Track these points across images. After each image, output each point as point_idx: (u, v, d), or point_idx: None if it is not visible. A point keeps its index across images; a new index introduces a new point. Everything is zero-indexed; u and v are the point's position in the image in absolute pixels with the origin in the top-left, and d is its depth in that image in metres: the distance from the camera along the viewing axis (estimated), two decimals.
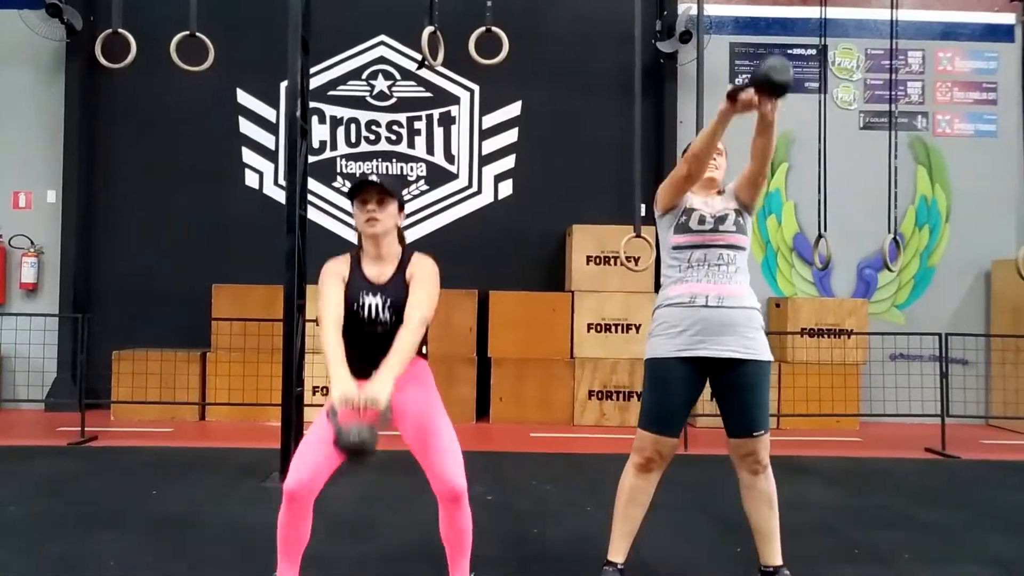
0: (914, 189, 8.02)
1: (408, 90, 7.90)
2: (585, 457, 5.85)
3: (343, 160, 7.88)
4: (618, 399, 7.21)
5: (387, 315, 2.72)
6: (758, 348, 2.89)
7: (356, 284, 2.76)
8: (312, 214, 7.86)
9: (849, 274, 8.03)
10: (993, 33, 8.13)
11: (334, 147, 7.85)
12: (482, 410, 7.28)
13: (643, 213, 7.86)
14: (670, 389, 2.90)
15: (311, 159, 7.90)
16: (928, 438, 6.54)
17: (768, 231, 8.06)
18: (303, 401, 5.06)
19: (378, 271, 2.79)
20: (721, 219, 2.95)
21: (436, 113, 7.89)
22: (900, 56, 8.05)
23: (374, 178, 2.76)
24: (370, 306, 2.72)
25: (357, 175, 7.88)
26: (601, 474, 5.32)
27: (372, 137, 7.84)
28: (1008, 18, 8.14)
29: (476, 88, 7.89)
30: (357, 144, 7.87)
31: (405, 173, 7.88)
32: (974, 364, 7.67)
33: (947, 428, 6.35)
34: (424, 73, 7.83)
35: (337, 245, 7.71)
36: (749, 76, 2.65)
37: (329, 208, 7.85)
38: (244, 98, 7.87)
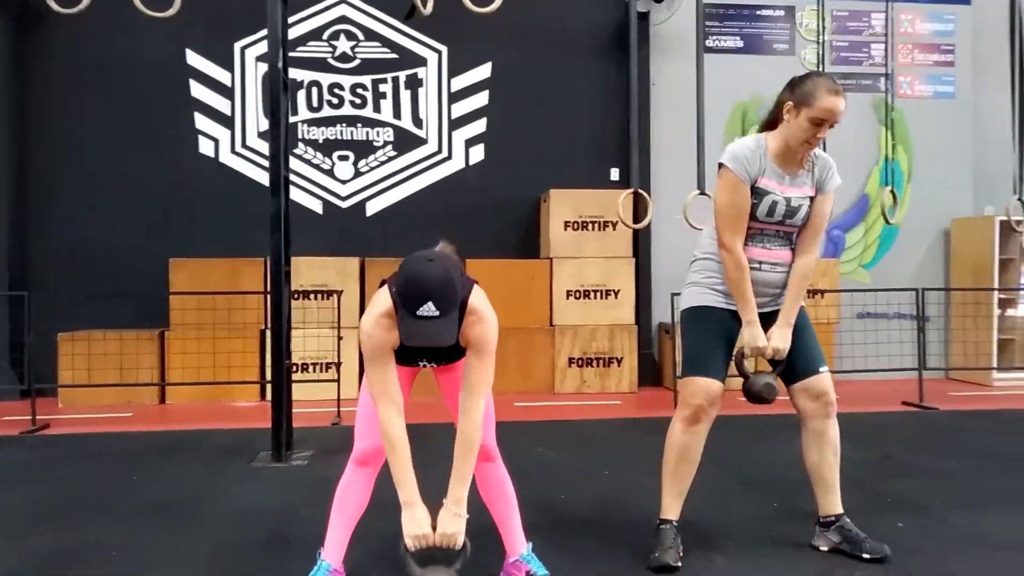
0: (878, 150, 8.13)
1: (372, 51, 7.55)
2: (577, 424, 5.75)
3: (305, 126, 7.49)
4: (598, 366, 7.12)
5: (439, 357, 2.53)
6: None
7: (405, 347, 2.30)
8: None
9: None
10: None
11: (294, 112, 7.46)
12: None
13: (615, 177, 7.83)
14: (716, 334, 2.86)
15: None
16: (902, 392, 6.68)
17: None
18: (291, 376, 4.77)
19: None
20: (792, 212, 2.83)
21: (402, 75, 7.57)
22: (864, 18, 8.11)
23: (434, 312, 2.15)
24: (424, 364, 2.55)
25: (321, 141, 7.52)
26: (603, 439, 5.27)
27: (335, 101, 7.48)
28: None
29: (444, 49, 7.60)
30: (319, 108, 7.49)
31: (371, 138, 7.54)
32: (935, 319, 7.87)
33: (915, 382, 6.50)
34: (389, 34, 7.52)
35: (302, 217, 7.38)
36: (750, 385, 2.88)
37: (292, 178, 7.42)
38: (195, 60, 7.39)
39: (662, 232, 7.55)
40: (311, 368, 6.80)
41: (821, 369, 2.89)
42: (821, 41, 6.79)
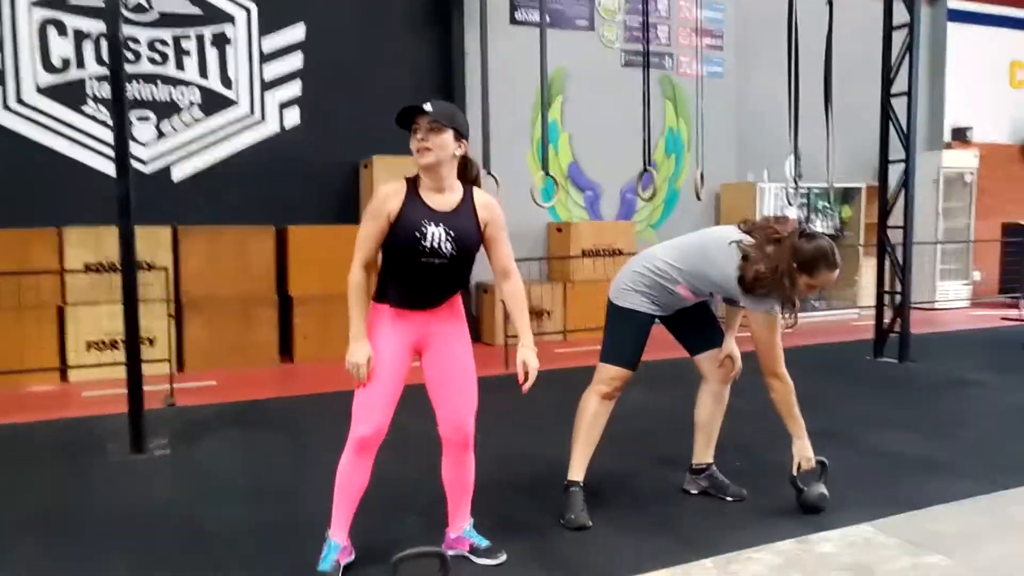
0: (663, 122, 9.02)
1: (171, 4, 6.95)
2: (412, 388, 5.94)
3: (94, 81, 6.78)
4: None
5: (448, 247, 2.58)
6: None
7: (417, 212, 2.57)
8: (59, 144, 6.74)
9: (614, 198, 8.88)
10: None
11: (81, 66, 6.71)
12: (284, 350, 6.98)
13: None
14: (639, 332, 3.30)
15: (51, 80, 6.72)
16: None
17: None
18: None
19: (441, 200, 2.62)
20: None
21: (208, 32, 7.07)
22: (652, 1, 8.86)
23: (428, 106, 2.56)
24: (434, 235, 2.56)
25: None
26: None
27: (131, 57, 6.81)
28: None
29: (252, 7, 7.19)
30: None
31: (175, 98, 7.01)
32: None
33: None
34: None
35: (91, 179, 6.74)
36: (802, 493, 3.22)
37: (79, 137, 6.76)
38: None
39: None
40: (120, 346, 6.33)
41: (724, 343, 3.41)
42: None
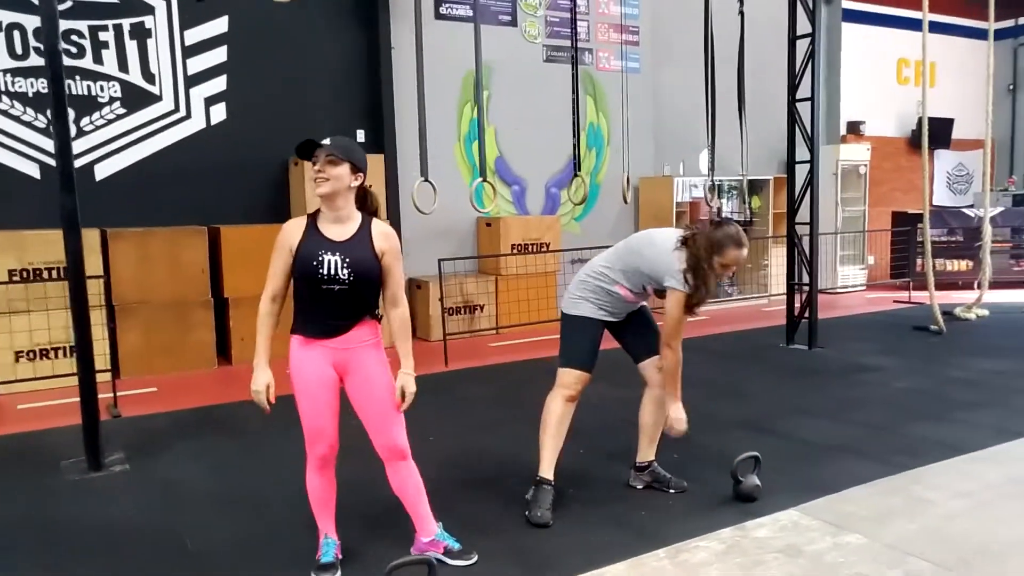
0: (585, 117, 9.31)
1: None
2: None
3: (7, 75, 6.51)
4: None
5: (344, 273, 2.78)
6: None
7: (315, 242, 2.81)
8: None
9: (539, 192, 9.14)
10: None
11: None
12: (221, 352, 6.95)
13: (361, 139, 8.02)
14: (592, 338, 3.63)
15: None
16: None
17: (474, 156, 8.70)
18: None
19: (338, 230, 2.84)
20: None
21: (126, 23, 6.88)
22: None
23: (326, 141, 2.83)
24: (330, 263, 2.77)
25: (30, 94, 6.62)
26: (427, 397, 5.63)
27: None
28: None
29: None
30: (25, 56, 6.55)
31: (95, 93, 6.81)
32: None
33: None
34: None
35: (15, 182, 6.50)
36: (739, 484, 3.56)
37: None
38: None
39: (408, 191, 7.95)
40: (52, 354, 6.20)
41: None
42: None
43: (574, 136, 7.19)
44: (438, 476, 3.93)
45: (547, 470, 3.56)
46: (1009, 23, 12.89)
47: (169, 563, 3.17)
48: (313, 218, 2.88)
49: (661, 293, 3.59)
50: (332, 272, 2.77)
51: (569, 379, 3.58)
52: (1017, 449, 4.13)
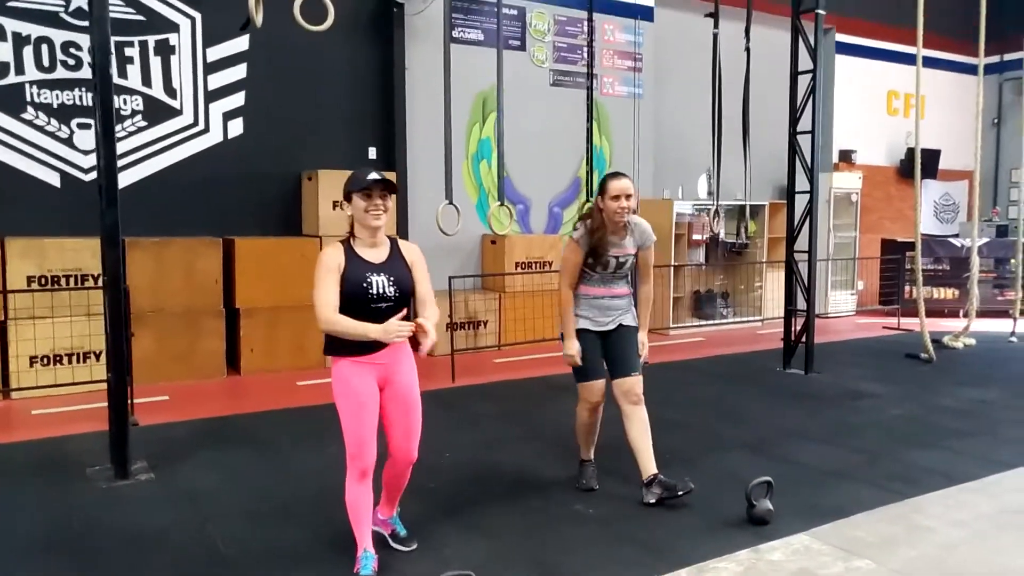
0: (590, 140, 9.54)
1: (114, 10, 6.84)
2: None
3: (34, 87, 6.65)
4: None
5: (391, 291, 3.08)
6: (628, 319, 4.11)
7: (359, 265, 3.06)
8: None
9: (543, 212, 9.36)
10: (642, 12, 9.86)
11: (20, 71, 6.57)
12: (230, 362, 7.09)
13: (373, 155, 8.21)
14: (593, 350, 4.05)
15: None
16: None
17: (481, 175, 8.94)
18: None
19: (375, 254, 3.13)
20: (623, 264, 4.04)
21: (151, 40, 7.04)
22: (578, 24, 9.36)
23: (375, 175, 3.07)
24: (377, 283, 3.05)
25: (55, 106, 6.74)
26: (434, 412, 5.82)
27: (71, 62, 6.73)
28: (650, 0, 9.94)
29: (197, 16, 7.21)
30: (52, 69, 6.69)
31: (118, 106, 6.95)
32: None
33: None
34: None
35: (37, 190, 6.61)
36: (753, 508, 3.75)
37: (20, 145, 6.63)
38: None
39: (418, 209, 8.17)
40: (64, 360, 6.32)
41: (631, 373, 4.05)
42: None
43: (587, 163, 7.42)
44: (458, 492, 4.16)
45: (586, 454, 4.27)
46: (995, 59, 13.30)
47: (207, 568, 3.31)
48: (348, 244, 3.12)
49: (592, 267, 3.97)
50: (381, 291, 3.05)
51: (584, 392, 4.08)
52: (1007, 480, 4.36)
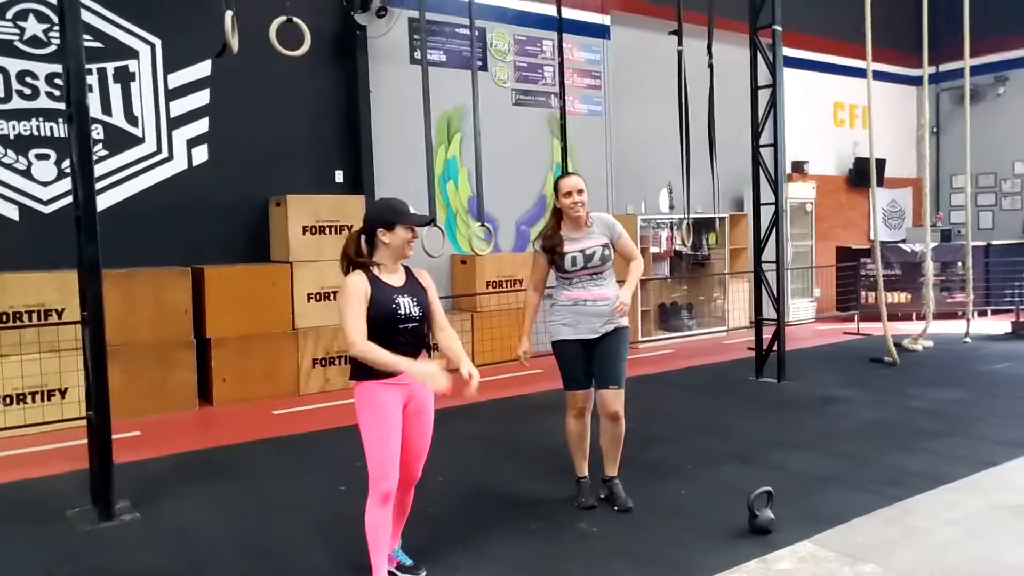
0: (551, 158, 9.64)
1: None
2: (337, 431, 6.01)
3: None
4: (340, 364, 7.49)
5: (416, 310, 3.22)
6: (614, 324, 4.13)
7: (384, 289, 3.18)
8: None
9: (510, 230, 9.39)
10: (598, 31, 10.02)
11: None
12: (202, 394, 6.92)
13: (340, 179, 8.14)
14: (576, 358, 4.11)
15: None
16: None
17: (448, 195, 8.94)
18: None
19: (395, 278, 3.26)
20: (589, 256, 4.05)
21: (110, 67, 6.88)
22: (538, 43, 9.46)
23: (422, 213, 3.37)
24: (403, 304, 3.19)
25: (12, 137, 6.53)
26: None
27: (27, 92, 6.54)
28: (606, 19, 10.11)
29: (157, 42, 7.07)
30: (8, 99, 6.48)
31: None
32: None
33: None
34: (90, 19, 6.77)
35: None
36: (756, 518, 3.80)
37: None
38: None
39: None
40: (30, 398, 6.09)
41: (610, 386, 4.10)
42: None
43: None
44: (458, 517, 4.14)
45: (580, 470, 4.27)
46: (931, 70, 13.84)
47: None
48: (369, 271, 3.21)
49: (559, 266, 4.07)
50: (408, 311, 3.18)
51: (570, 400, 4.18)
52: (991, 478, 4.51)
